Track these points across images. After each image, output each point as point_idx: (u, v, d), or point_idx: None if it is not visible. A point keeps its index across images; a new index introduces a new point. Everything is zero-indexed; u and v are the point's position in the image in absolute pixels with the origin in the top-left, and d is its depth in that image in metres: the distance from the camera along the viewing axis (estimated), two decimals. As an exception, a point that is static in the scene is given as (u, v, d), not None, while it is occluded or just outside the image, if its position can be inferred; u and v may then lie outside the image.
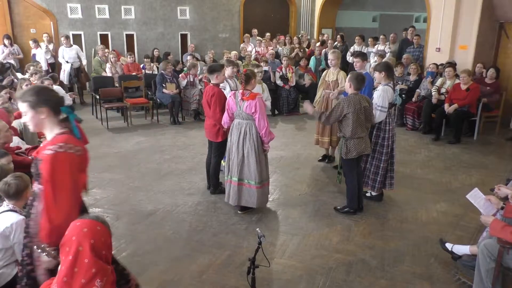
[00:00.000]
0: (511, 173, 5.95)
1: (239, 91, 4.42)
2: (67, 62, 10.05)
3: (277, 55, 10.90)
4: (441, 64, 8.64)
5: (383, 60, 9.67)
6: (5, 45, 9.87)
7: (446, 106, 7.41)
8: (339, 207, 4.71)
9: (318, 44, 11.33)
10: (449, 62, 8.64)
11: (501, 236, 2.91)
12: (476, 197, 3.43)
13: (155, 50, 11.17)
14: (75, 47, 10.27)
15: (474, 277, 3.23)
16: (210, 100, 4.78)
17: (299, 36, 12.51)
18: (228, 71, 5.48)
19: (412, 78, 8.56)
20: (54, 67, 10.82)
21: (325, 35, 12.24)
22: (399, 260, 3.78)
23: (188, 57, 10.35)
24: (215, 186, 5.13)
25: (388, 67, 4.73)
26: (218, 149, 4.93)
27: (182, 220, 4.49)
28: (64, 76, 10.03)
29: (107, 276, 1.81)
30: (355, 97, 4.33)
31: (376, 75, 4.75)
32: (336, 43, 11.76)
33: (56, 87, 7.29)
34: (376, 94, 4.66)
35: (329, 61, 5.93)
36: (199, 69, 9.33)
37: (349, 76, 4.46)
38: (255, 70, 5.50)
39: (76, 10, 11.14)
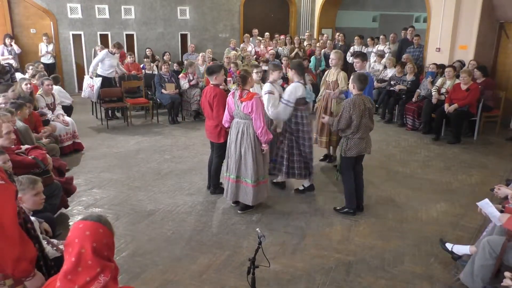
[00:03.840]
0: (511, 173, 5.95)
1: (238, 91, 4.42)
2: (97, 75, 8.57)
3: (277, 55, 10.90)
4: (441, 65, 8.64)
5: (383, 59, 9.71)
6: (5, 44, 9.88)
7: (446, 106, 7.41)
8: (338, 208, 4.71)
9: (318, 44, 11.33)
10: (458, 60, 8.65)
11: None
12: (487, 206, 3.39)
13: (147, 50, 11.06)
14: (117, 56, 8.85)
15: (464, 268, 3.24)
16: (212, 101, 4.75)
17: (301, 37, 12.46)
18: (274, 75, 5.14)
19: (409, 77, 8.57)
20: (54, 67, 10.84)
21: (325, 35, 12.24)
22: (399, 260, 3.78)
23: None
24: (215, 186, 5.13)
25: (299, 66, 4.94)
26: (220, 150, 4.92)
27: (182, 220, 4.49)
28: (93, 93, 8.41)
29: (111, 272, 1.86)
30: (359, 98, 4.33)
31: (289, 72, 4.98)
32: (337, 42, 11.77)
33: (57, 87, 7.29)
34: (287, 89, 4.88)
35: (330, 61, 5.93)
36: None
37: (351, 77, 4.47)
38: (255, 70, 5.49)
39: (76, 10, 11.16)
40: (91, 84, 8.43)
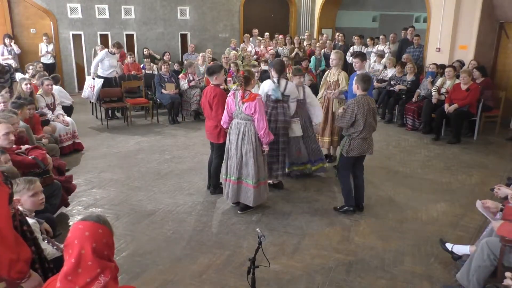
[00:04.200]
0: (511, 173, 5.95)
1: (239, 91, 4.41)
2: (98, 76, 8.56)
3: (277, 55, 10.90)
4: (441, 65, 8.64)
5: (383, 59, 9.72)
6: (5, 44, 9.88)
7: (446, 106, 7.41)
8: (338, 207, 4.72)
9: (318, 44, 11.33)
10: (458, 60, 8.65)
11: (509, 236, 2.90)
12: (481, 207, 3.42)
13: (144, 50, 11.04)
14: (116, 56, 8.85)
15: (461, 267, 3.25)
16: (211, 101, 4.75)
17: (301, 37, 12.45)
18: (295, 80, 5.31)
19: (409, 77, 8.57)
20: (54, 67, 10.84)
21: (324, 35, 12.24)
22: (399, 260, 3.78)
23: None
24: (215, 186, 5.13)
25: (277, 64, 5.10)
26: (219, 150, 4.91)
27: (182, 220, 4.49)
28: (93, 93, 8.41)
29: (111, 272, 1.86)
30: (363, 98, 4.33)
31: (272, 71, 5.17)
32: (337, 42, 11.77)
33: (57, 88, 7.29)
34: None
35: (330, 61, 5.93)
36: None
37: (355, 78, 4.47)
38: (252, 70, 5.49)
39: (76, 10, 11.16)
40: (92, 85, 8.46)
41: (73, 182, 4.81)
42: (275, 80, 5.02)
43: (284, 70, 5.21)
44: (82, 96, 8.87)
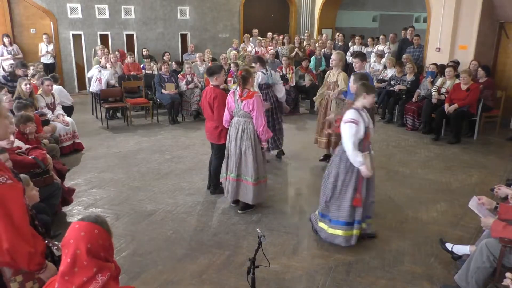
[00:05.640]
0: (511, 173, 5.96)
1: (238, 90, 4.42)
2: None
3: (277, 55, 10.89)
4: (441, 65, 8.64)
5: (383, 59, 9.73)
6: (4, 44, 9.88)
7: (446, 106, 7.41)
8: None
9: (318, 44, 11.33)
10: (453, 61, 8.65)
11: (504, 236, 2.90)
12: (475, 205, 3.42)
13: (143, 50, 10.97)
14: (111, 70, 8.90)
15: (460, 269, 3.24)
16: (212, 102, 4.74)
17: (301, 37, 12.46)
18: (368, 99, 3.77)
19: (409, 77, 8.57)
20: (54, 67, 10.85)
21: (324, 35, 12.24)
22: (399, 260, 3.78)
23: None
24: (215, 186, 5.13)
25: (258, 58, 6.17)
26: (219, 151, 4.90)
27: (182, 220, 4.49)
28: (101, 85, 8.52)
29: (110, 272, 1.86)
30: None
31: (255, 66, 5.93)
32: (337, 42, 11.77)
33: (58, 87, 7.29)
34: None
35: (331, 61, 5.97)
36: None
37: (352, 78, 4.47)
38: (250, 68, 5.50)
39: (76, 10, 11.16)
40: (99, 77, 8.55)
41: (73, 187, 4.80)
42: (264, 71, 5.99)
43: (264, 62, 6.26)
44: (90, 90, 8.95)
